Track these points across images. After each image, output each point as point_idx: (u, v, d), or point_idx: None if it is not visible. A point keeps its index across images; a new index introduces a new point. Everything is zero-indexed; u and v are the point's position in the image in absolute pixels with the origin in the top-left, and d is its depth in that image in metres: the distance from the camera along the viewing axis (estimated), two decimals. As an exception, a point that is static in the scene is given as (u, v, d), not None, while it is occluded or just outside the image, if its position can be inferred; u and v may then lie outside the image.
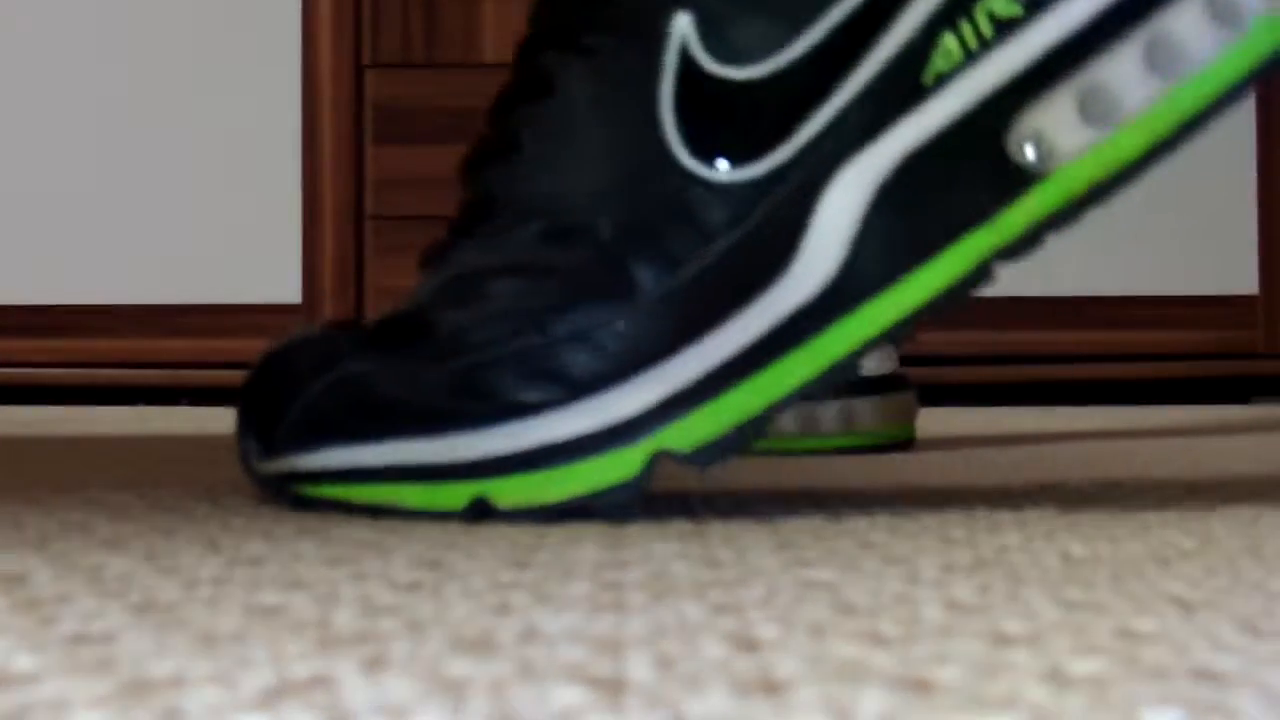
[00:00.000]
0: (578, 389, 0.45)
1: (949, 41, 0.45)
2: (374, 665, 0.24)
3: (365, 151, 1.67)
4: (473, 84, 1.65)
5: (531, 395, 0.45)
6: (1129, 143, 0.47)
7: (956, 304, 0.46)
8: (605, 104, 0.47)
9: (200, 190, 1.69)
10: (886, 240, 0.45)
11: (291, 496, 0.49)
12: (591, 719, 0.21)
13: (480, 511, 0.45)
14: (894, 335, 0.46)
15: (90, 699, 0.22)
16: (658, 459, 0.45)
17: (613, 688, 0.23)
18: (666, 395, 0.45)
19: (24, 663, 0.25)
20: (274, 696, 0.22)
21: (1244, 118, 1.69)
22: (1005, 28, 0.45)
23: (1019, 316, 1.65)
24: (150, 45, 1.71)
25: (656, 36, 0.46)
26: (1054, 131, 0.45)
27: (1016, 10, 0.45)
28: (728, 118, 0.46)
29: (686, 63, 0.46)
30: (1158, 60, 0.45)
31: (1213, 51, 0.45)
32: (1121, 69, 0.45)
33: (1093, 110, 0.45)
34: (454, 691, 0.23)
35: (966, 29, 0.45)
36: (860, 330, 0.45)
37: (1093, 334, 1.67)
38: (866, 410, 0.85)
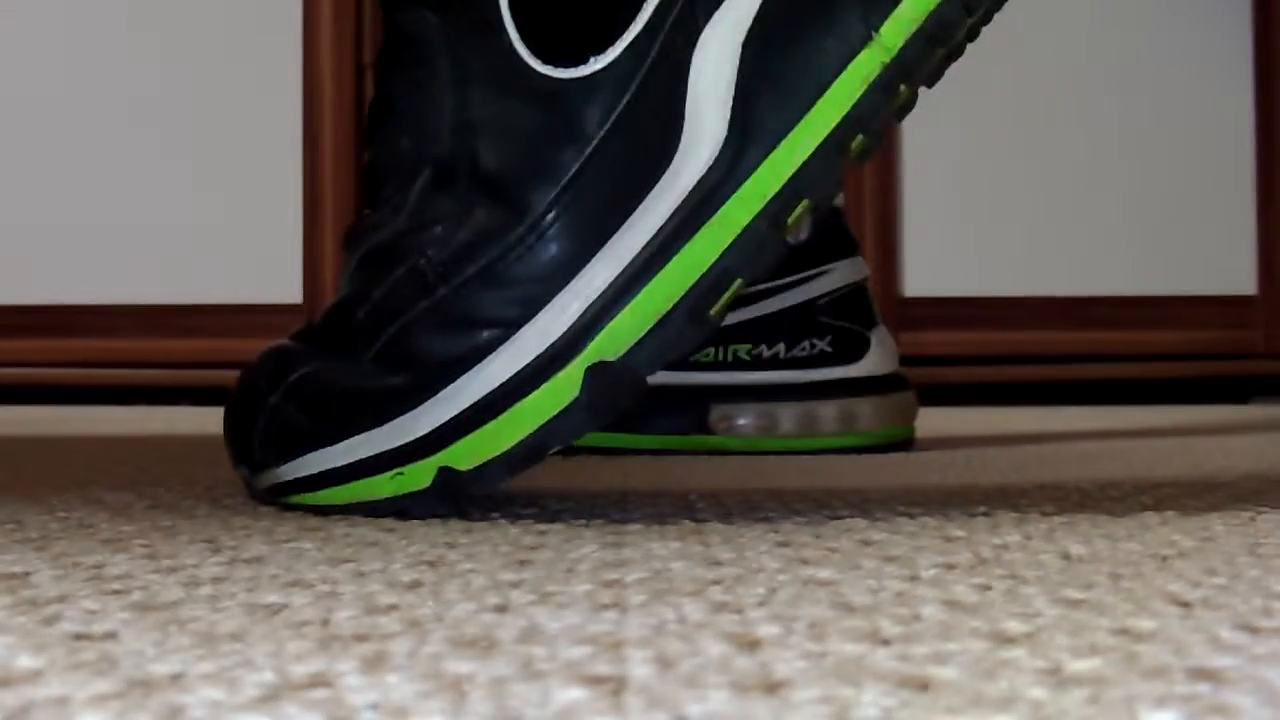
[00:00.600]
0: (500, 329, 0.44)
1: None
2: (374, 665, 0.25)
3: (365, 151, 1.68)
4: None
5: (455, 348, 0.44)
6: None
7: (870, 136, 0.44)
8: (456, 38, 0.45)
9: (200, 190, 1.69)
10: (767, 89, 0.43)
11: (291, 506, 0.49)
12: (591, 718, 0.21)
13: (448, 482, 0.45)
14: (804, 186, 0.43)
15: (91, 698, 0.22)
16: (595, 372, 0.44)
17: (613, 687, 0.23)
18: (586, 307, 0.44)
19: (25, 662, 0.25)
20: (274, 696, 0.22)
21: (1243, 118, 1.69)
22: None
23: (1019, 316, 1.65)
24: (150, 45, 1.71)
25: None
26: None
27: None
28: (569, 12, 0.45)
29: None
30: None
31: None
32: None
33: None
34: (454, 690, 0.23)
35: None
36: (764, 186, 0.43)
37: (1093, 334, 1.67)
38: (866, 410, 0.85)
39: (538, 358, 0.44)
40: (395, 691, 0.23)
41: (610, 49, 0.44)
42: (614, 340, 0.43)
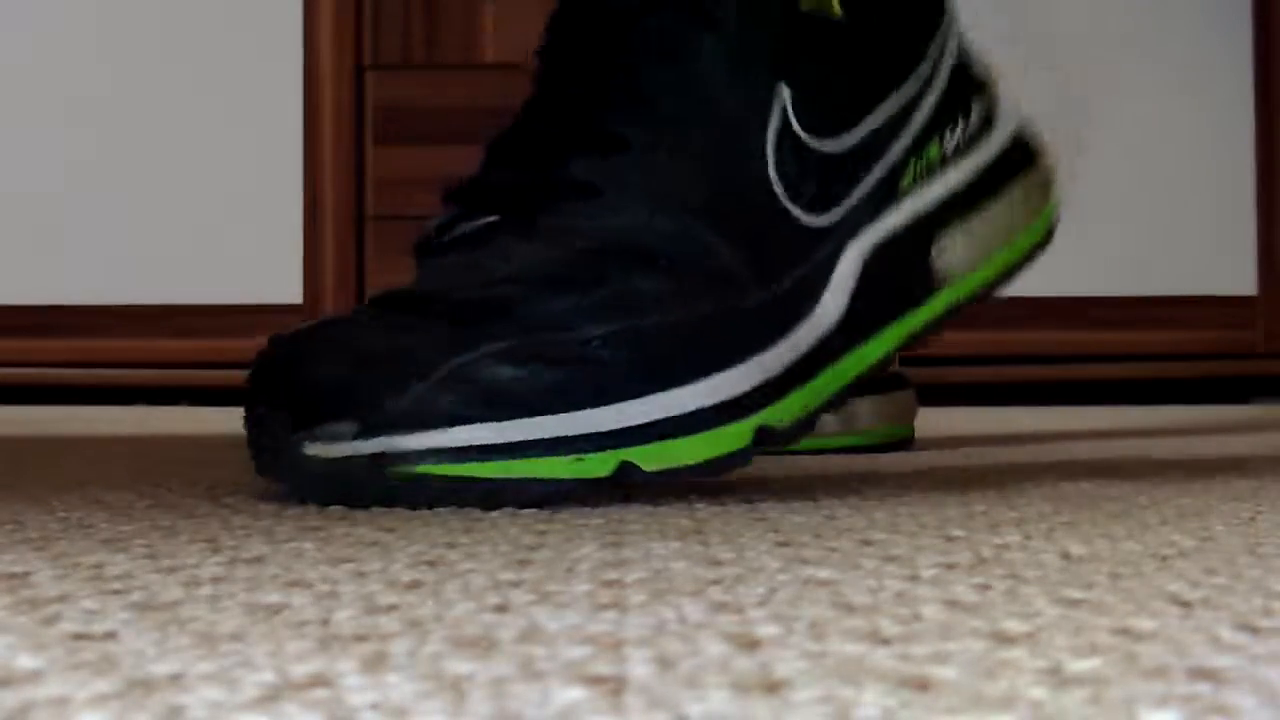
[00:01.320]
0: (692, 372, 0.51)
1: (913, 163, 0.58)
2: (374, 665, 0.25)
3: (365, 151, 1.67)
4: (473, 85, 1.65)
5: (656, 374, 0.51)
6: (991, 268, 0.60)
7: (881, 366, 0.57)
8: (710, 147, 0.54)
9: (200, 190, 1.69)
10: (866, 302, 0.56)
11: (372, 479, 0.48)
12: (591, 718, 0.21)
13: (625, 474, 0.50)
14: (871, 368, 0.56)
15: (91, 698, 0.22)
16: (760, 431, 0.52)
17: (613, 687, 0.23)
18: (763, 381, 0.52)
19: (25, 662, 0.25)
20: (274, 696, 0.22)
21: (1243, 118, 1.69)
22: (931, 169, 0.59)
23: (1019, 316, 1.65)
24: (150, 45, 1.71)
25: (764, 100, 0.54)
26: (951, 251, 0.58)
27: (935, 156, 0.58)
28: (809, 175, 0.55)
29: (785, 123, 0.54)
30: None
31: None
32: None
33: (975, 241, 0.59)
34: (454, 690, 0.23)
35: (918, 162, 0.58)
36: (849, 365, 0.56)
37: (1092, 334, 1.67)
38: (866, 410, 0.85)
39: (720, 403, 0.52)
40: (395, 691, 0.23)
41: (822, 216, 0.55)
42: (780, 414, 0.53)
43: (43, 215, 1.70)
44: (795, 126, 0.54)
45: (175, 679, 0.23)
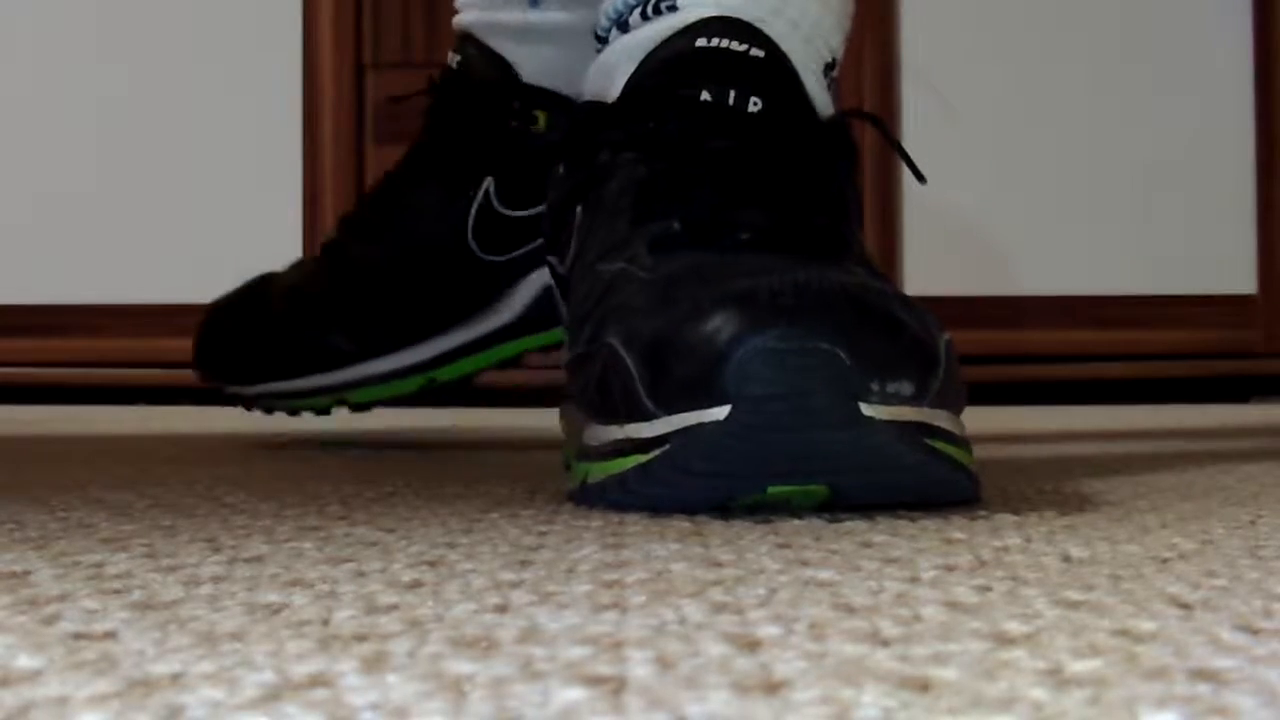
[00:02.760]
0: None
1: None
2: (374, 665, 0.25)
3: (365, 151, 1.67)
4: (473, 84, 1.65)
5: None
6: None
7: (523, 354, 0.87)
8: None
9: (200, 190, 1.69)
10: (536, 313, 0.85)
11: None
12: (591, 719, 0.21)
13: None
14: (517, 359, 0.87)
15: (91, 698, 0.22)
16: (430, 382, 0.86)
17: (613, 687, 0.23)
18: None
19: (25, 661, 0.25)
20: (274, 696, 0.22)
21: (1243, 118, 1.69)
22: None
23: (1020, 317, 1.65)
24: (151, 45, 1.71)
25: (472, 187, 0.84)
26: None
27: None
28: (502, 232, 0.85)
29: (486, 201, 0.84)
30: None
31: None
32: None
33: None
34: (454, 691, 0.23)
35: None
36: (517, 349, 0.86)
37: (1092, 334, 1.67)
38: None
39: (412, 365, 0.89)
40: (395, 691, 0.23)
41: (509, 255, 0.85)
42: (445, 373, 0.90)
43: (43, 215, 1.70)
44: (493, 199, 0.83)
45: (175, 679, 0.23)
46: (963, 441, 0.46)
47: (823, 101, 0.57)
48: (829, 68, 0.59)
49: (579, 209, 0.57)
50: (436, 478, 0.64)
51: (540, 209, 0.69)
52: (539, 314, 0.82)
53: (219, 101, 1.69)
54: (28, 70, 1.71)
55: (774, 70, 0.55)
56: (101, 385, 1.67)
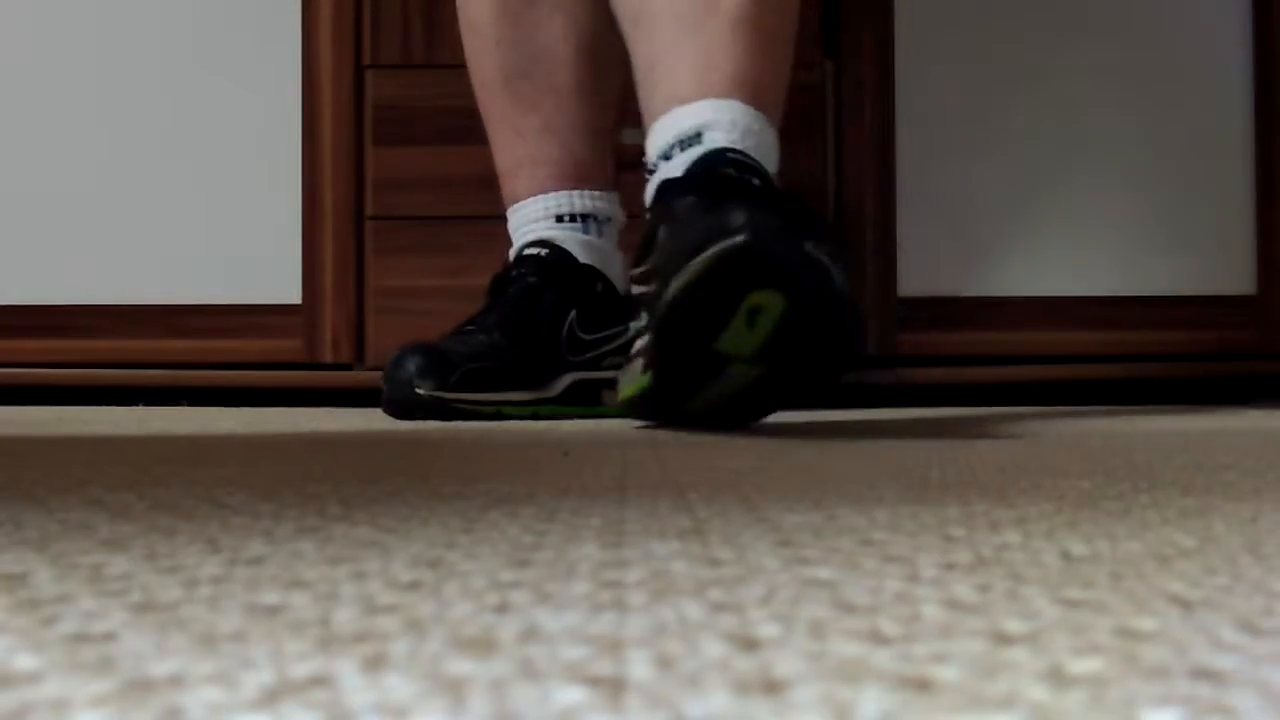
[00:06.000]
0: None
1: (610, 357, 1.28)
2: (374, 665, 0.25)
3: (365, 151, 1.67)
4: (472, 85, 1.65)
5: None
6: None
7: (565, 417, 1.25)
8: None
9: (200, 190, 1.69)
10: (572, 395, 1.27)
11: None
12: (591, 719, 0.21)
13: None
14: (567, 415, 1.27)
15: (90, 698, 0.22)
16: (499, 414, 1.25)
17: (613, 687, 0.23)
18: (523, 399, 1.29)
19: (25, 662, 0.25)
20: (274, 696, 0.22)
21: (1243, 118, 1.69)
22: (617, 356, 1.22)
23: (1019, 316, 1.65)
24: (151, 45, 1.71)
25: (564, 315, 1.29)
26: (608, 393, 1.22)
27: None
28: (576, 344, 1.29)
29: (570, 323, 1.29)
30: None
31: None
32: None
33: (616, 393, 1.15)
34: (454, 691, 0.23)
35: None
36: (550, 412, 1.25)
37: (1093, 334, 1.67)
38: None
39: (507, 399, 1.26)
40: (395, 691, 0.23)
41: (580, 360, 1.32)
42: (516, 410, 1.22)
43: (42, 215, 1.70)
44: (575, 325, 1.29)
45: (175, 679, 0.23)
46: (844, 276, 0.90)
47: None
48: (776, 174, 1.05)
49: (660, 229, 0.95)
50: (436, 477, 0.64)
51: (596, 335, 1.30)
52: (567, 396, 1.30)
53: (218, 101, 1.69)
54: (27, 70, 1.71)
55: (762, 174, 0.99)
56: (101, 385, 1.66)
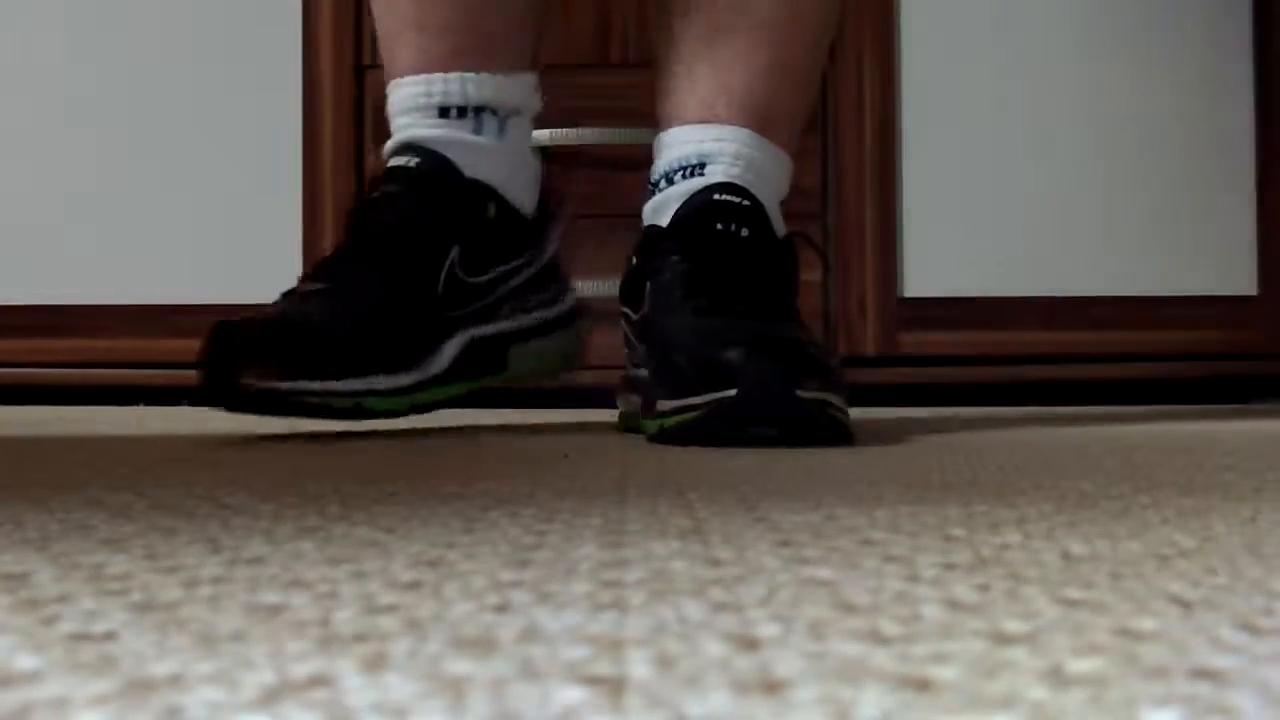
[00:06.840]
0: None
1: (509, 303, 1.04)
2: (374, 665, 0.25)
3: (365, 151, 1.67)
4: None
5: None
6: (529, 374, 1.07)
7: (450, 401, 1.00)
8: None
9: (200, 190, 1.69)
10: (461, 365, 0.99)
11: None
12: (591, 718, 0.21)
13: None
14: (441, 404, 0.99)
15: (91, 698, 0.22)
16: (360, 409, 0.96)
17: (613, 687, 0.23)
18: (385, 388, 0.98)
19: (25, 662, 0.25)
20: (274, 696, 0.22)
21: (1243, 118, 1.69)
22: (516, 311, 1.04)
23: (1019, 316, 1.65)
24: (151, 45, 1.71)
25: (442, 255, 0.99)
26: (515, 357, 1.05)
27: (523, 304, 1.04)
28: (460, 293, 1.00)
29: (452, 267, 0.99)
30: None
31: None
32: None
33: (527, 357, 1.06)
34: (454, 691, 0.23)
35: (511, 304, 1.03)
36: (442, 395, 0.98)
37: (1093, 334, 1.67)
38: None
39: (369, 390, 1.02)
40: (395, 691, 0.23)
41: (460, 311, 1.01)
42: (384, 404, 1.00)
43: (42, 215, 1.70)
44: (456, 266, 0.98)
45: (175, 679, 0.23)
46: (843, 409, 0.87)
47: (778, 224, 0.99)
48: (782, 202, 1.02)
49: (648, 284, 0.96)
50: (436, 477, 0.64)
51: (488, 276, 1.00)
52: (459, 368, 0.98)
53: (218, 102, 1.69)
54: (26, 70, 1.71)
55: (755, 212, 0.97)
56: (101, 385, 1.67)
